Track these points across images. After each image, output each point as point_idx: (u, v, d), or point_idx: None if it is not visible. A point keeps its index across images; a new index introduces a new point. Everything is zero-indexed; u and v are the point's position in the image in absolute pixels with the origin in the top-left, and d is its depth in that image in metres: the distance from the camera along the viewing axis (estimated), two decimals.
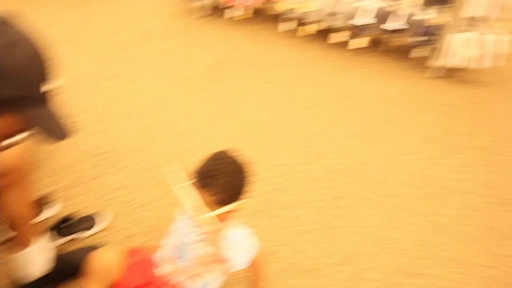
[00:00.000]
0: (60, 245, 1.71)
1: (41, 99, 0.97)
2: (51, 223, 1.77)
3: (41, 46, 0.96)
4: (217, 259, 1.39)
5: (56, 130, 1.01)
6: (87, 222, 1.81)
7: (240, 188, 1.31)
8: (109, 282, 1.36)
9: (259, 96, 2.96)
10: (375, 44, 3.58)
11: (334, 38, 3.52)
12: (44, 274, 1.52)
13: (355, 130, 2.65)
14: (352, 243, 1.90)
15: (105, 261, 1.36)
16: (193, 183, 1.28)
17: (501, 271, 1.84)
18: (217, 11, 4.04)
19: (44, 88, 0.97)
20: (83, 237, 1.78)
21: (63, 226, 1.76)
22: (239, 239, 1.39)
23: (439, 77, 3.25)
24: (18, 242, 1.47)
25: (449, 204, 2.16)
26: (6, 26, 0.91)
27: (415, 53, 3.34)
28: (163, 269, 1.42)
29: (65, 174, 2.10)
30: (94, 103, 2.67)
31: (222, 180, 1.26)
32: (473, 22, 3.05)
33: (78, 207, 1.91)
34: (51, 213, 1.84)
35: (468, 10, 2.97)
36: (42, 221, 1.78)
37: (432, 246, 1.92)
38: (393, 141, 2.58)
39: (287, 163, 2.35)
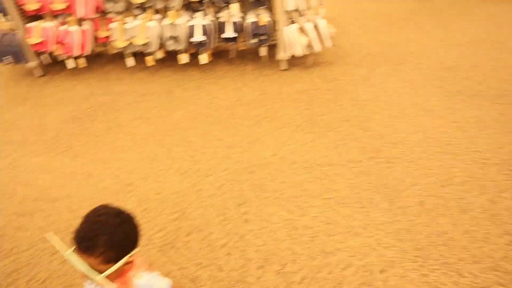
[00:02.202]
0: None
1: None
2: None
3: None
4: None
5: None
6: None
7: (126, 241, 1.19)
8: None
9: (127, 135, 2.90)
10: (225, 54, 3.75)
11: (183, 59, 3.56)
12: None
13: (232, 139, 2.71)
14: (266, 243, 1.92)
15: None
16: (74, 249, 1.17)
17: (402, 221, 1.94)
18: (57, 65, 3.67)
19: None
20: None
21: None
22: (146, 286, 1.27)
23: (289, 69, 3.42)
24: None
25: (339, 178, 2.26)
26: None
27: (262, 52, 3.51)
28: None
29: None
30: None
31: (103, 239, 1.14)
32: (296, 13, 3.29)
33: None
34: None
35: (289, 5, 3.22)
36: None
37: (338, 221, 2.00)
38: (268, 138, 2.66)
39: (176, 191, 2.32)
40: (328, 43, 3.38)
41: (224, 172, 2.40)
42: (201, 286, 1.73)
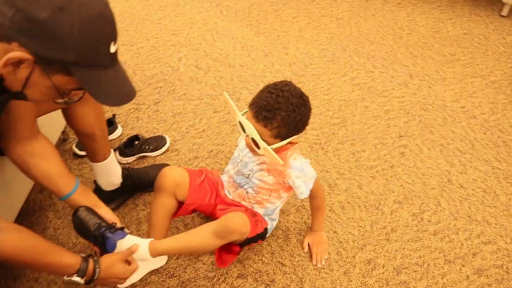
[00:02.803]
0: (129, 163, 1.84)
1: (104, 62, 0.87)
2: (117, 143, 1.89)
3: (102, 4, 0.84)
4: (276, 188, 1.39)
5: (115, 94, 0.91)
6: (153, 143, 1.88)
7: (299, 123, 1.22)
8: (178, 198, 1.42)
9: (315, 29, 2.86)
10: None
11: None
12: (117, 186, 1.62)
13: (416, 69, 2.54)
14: (413, 183, 1.84)
15: (176, 178, 1.41)
16: (247, 114, 1.21)
17: None
18: None
19: (108, 49, 0.85)
20: (150, 156, 1.87)
21: (131, 145, 1.84)
22: (299, 168, 1.32)
23: (509, 16, 3.03)
24: (95, 155, 1.51)
25: None
26: None
27: None
28: (227, 193, 1.48)
29: None
30: (146, 34, 2.70)
31: (282, 114, 1.17)
32: None
33: (140, 131, 2.00)
34: (116, 135, 1.97)
35: None
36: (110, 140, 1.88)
37: (498, 195, 1.82)
38: (455, 82, 2.45)
39: (346, 99, 2.27)
40: None
41: (396, 99, 2.30)
42: (337, 194, 1.78)
